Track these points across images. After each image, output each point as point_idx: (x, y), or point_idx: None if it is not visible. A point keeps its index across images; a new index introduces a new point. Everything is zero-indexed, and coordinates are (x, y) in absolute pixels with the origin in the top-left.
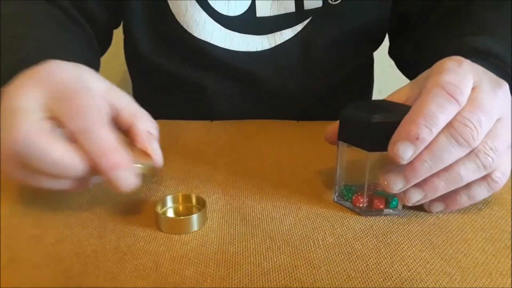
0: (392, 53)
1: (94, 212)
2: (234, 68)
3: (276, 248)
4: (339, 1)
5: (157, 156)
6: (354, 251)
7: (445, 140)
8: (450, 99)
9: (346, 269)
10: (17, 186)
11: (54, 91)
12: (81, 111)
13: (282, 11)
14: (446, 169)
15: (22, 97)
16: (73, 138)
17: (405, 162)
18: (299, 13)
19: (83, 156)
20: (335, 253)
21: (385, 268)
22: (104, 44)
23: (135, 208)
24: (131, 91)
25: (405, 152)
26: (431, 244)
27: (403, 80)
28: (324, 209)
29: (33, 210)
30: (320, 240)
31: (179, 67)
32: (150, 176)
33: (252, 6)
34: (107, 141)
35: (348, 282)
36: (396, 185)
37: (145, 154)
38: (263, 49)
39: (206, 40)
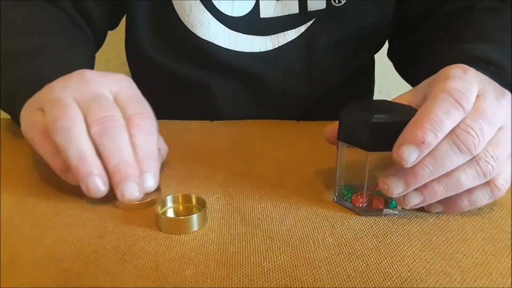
0: (390, 55)
1: (94, 212)
2: (237, 69)
3: (276, 248)
4: (342, 3)
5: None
6: (354, 251)
7: (447, 147)
8: (457, 106)
9: (346, 269)
10: (17, 185)
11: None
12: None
13: (285, 12)
14: (447, 174)
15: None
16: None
17: (409, 166)
18: (303, 14)
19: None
20: (335, 253)
21: (385, 268)
22: (98, 43)
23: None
24: None
25: (410, 155)
26: (431, 244)
27: (403, 80)
28: (324, 209)
29: (33, 210)
30: (320, 240)
31: (182, 67)
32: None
33: (256, 7)
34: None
35: (348, 282)
36: (396, 189)
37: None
38: (267, 49)
39: (209, 40)
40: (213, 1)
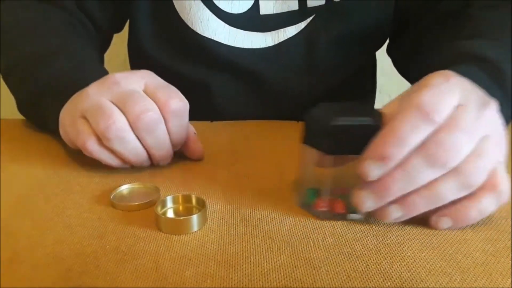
0: (390, 51)
1: (94, 212)
2: (237, 65)
3: (276, 248)
4: None
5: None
6: (354, 251)
7: (419, 161)
8: (425, 119)
9: (346, 269)
10: (16, 185)
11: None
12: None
13: (285, 9)
14: (427, 187)
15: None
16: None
17: (371, 179)
18: (302, 10)
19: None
20: (335, 253)
21: (385, 268)
22: (103, 45)
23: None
24: None
25: (374, 170)
26: (431, 244)
27: (403, 80)
28: None
29: (33, 210)
30: (320, 240)
31: (183, 65)
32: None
33: (256, 4)
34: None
35: (348, 282)
36: (367, 203)
37: None
38: (267, 46)
39: (209, 37)
40: (214, 0)
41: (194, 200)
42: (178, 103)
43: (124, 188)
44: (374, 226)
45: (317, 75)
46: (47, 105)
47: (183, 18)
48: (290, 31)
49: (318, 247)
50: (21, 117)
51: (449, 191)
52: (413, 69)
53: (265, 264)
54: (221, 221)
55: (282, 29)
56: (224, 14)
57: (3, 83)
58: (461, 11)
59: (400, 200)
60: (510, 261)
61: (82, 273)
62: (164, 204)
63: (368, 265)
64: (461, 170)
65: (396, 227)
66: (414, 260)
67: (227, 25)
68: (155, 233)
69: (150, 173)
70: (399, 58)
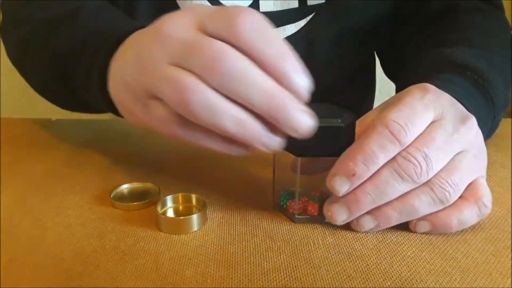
0: (378, 53)
1: (94, 212)
2: None
3: (276, 248)
4: None
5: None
6: (354, 251)
7: (388, 174)
8: (393, 140)
9: (346, 269)
10: (17, 185)
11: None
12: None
13: (285, 7)
14: (400, 200)
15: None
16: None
17: (341, 195)
18: (302, 8)
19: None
20: (335, 253)
21: (385, 268)
22: None
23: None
24: None
25: (341, 186)
26: (431, 244)
27: None
28: None
29: (33, 210)
30: (320, 240)
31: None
32: None
33: (256, 2)
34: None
35: (348, 282)
36: (339, 216)
37: None
38: None
39: None
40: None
41: (194, 200)
42: (247, 15)
43: (124, 188)
44: None
45: (316, 73)
46: (78, 75)
47: None
48: (290, 29)
49: (318, 247)
50: (21, 116)
51: (421, 205)
52: (398, 72)
53: (265, 264)
54: (221, 221)
55: (281, 27)
56: None
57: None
58: (449, 14)
59: (374, 211)
60: (510, 261)
61: (82, 273)
62: (164, 204)
63: (368, 264)
64: (433, 185)
65: (396, 227)
66: (414, 260)
67: None
68: (155, 232)
69: (150, 173)
70: (386, 60)
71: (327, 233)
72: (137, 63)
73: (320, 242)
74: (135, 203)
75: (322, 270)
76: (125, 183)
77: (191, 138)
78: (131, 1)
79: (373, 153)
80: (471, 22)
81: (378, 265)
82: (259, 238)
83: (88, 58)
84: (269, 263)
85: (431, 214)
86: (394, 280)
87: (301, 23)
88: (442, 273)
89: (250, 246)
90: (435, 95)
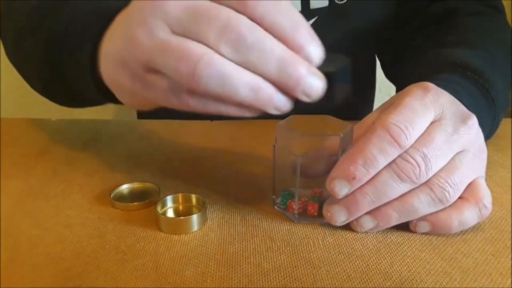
0: (378, 54)
1: (94, 212)
2: None
3: (276, 248)
4: (344, 0)
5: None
6: (354, 251)
7: (387, 175)
8: (393, 143)
9: (346, 269)
10: (17, 185)
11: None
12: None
13: None
14: (400, 200)
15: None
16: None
17: (340, 197)
18: (305, 12)
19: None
20: (335, 253)
21: (385, 268)
22: None
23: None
24: None
25: (341, 189)
26: (431, 244)
27: None
28: None
29: (33, 210)
30: (320, 240)
31: None
32: None
33: None
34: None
35: (348, 282)
36: (339, 217)
37: None
38: None
39: None
40: None
41: (194, 200)
42: None
43: (124, 188)
44: None
45: None
46: (72, 57)
47: None
48: None
49: (318, 247)
50: (21, 116)
51: (421, 205)
52: (398, 73)
53: (265, 264)
54: (221, 221)
55: None
56: None
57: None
58: (449, 17)
59: (373, 211)
60: (510, 261)
61: (82, 273)
62: (164, 204)
63: (368, 265)
64: (432, 185)
65: (396, 227)
66: (414, 260)
67: None
68: (155, 232)
69: (150, 173)
70: (386, 61)
71: (327, 233)
72: (131, 35)
73: (320, 242)
74: (135, 203)
75: (322, 270)
76: (125, 183)
77: (203, 107)
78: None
79: (373, 157)
80: (471, 25)
81: (378, 265)
82: (259, 238)
83: (76, 42)
84: (269, 263)
85: (431, 214)
86: (394, 280)
87: None
88: (442, 273)
89: (250, 246)
90: (436, 94)
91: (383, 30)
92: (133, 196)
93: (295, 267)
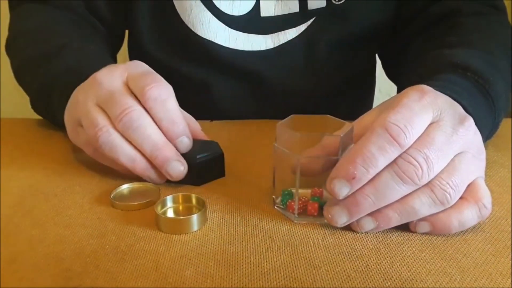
0: (379, 54)
1: (94, 212)
2: (238, 67)
3: (276, 248)
4: (342, 1)
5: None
6: (354, 251)
7: (389, 177)
8: (392, 142)
9: (346, 269)
10: (17, 185)
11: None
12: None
13: (286, 11)
14: (400, 201)
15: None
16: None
17: (341, 198)
18: (303, 13)
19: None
20: (335, 253)
21: (385, 268)
22: (116, 43)
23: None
24: None
25: (341, 189)
26: (431, 244)
27: None
28: None
29: (33, 210)
30: (320, 240)
31: (183, 66)
32: None
33: (256, 6)
34: (156, 137)
35: (348, 282)
36: (340, 219)
37: None
38: (267, 48)
39: (210, 39)
40: (214, 1)
41: (194, 200)
42: (156, 88)
43: (124, 188)
44: None
45: (317, 76)
46: (54, 102)
47: (183, 20)
48: (291, 33)
49: (318, 247)
50: (21, 117)
51: (422, 207)
52: (400, 74)
53: (265, 264)
54: (221, 220)
55: (282, 32)
56: (225, 16)
57: (3, 83)
58: (450, 17)
59: (374, 213)
60: (510, 261)
61: (82, 273)
62: (164, 204)
63: (368, 265)
64: (433, 187)
65: (396, 227)
66: (414, 260)
67: (227, 28)
68: (155, 232)
69: None
70: (387, 62)
71: (327, 233)
72: (76, 98)
73: (320, 242)
74: (135, 203)
75: (322, 270)
76: (125, 183)
77: (102, 161)
78: (130, 2)
79: (372, 156)
80: (472, 25)
81: (378, 265)
82: (259, 238)
83: (59, 93)
84: (269, 263)
85: (431, 215)
86: (394, 281)
87: (302, 27)
88: (442, 273)
89: (250, 246)
90: (432, 96)
91: (382, 30)
92: (133, 196)
93: (295, 267)
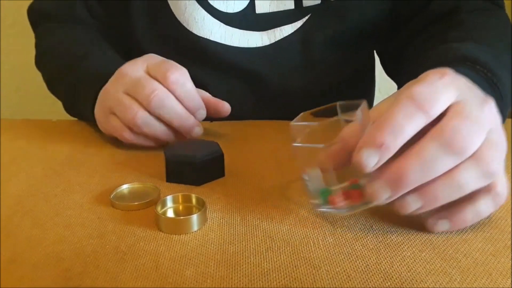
0: (377, 51)
1: (94, 212)
2: (234, 64)
3: (276, 248)
4: None
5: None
6: (354, 251)
7: (435, 147)
8: (418, 110)
9: (346, 269)
10: (16, 185)
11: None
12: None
13: (281, 8)
14: (447, 175)
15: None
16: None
17: (368, 170)
18: (298, 9)
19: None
20: (335, 253)
21: (385, 268)
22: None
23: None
24: None
25: (369, 159)
26: (431, 244)
27: None
28: None
29: (33, 210)
30: (320, 240)
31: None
32: None
33: (252, 3)
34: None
35: (348, 282)
36: (382, 194)
37: None
38: (263, 45)
39: (205, 37)
40: (208, 0)
41: (194, 200)
42: (175, 72)
43: (124, 188)
44: (374, 226)
45: (314, 74)
46: (82, 101)
47: (178, 18)
48: (286, 30)
49: (318, 247)
50: (21, 117)
51: (471, 179)
52: (401, 71)
53: (265, 264)
54: (221, 220)
55: (278, 28)
56: (219, 14)
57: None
58: (451, 14)
59: (419, 189)
60: (510, 261)
61: (82, 273)
62: (164, 204)
63: (368, 265)
64: (480, 158)
65: (396, 227)
66: (414, 260)
67: (222, 24)
68: (155, 232)
69: (150, 173)
70: (386, 59)
71: (327, 233)
72: (107, 90)
73: (320, 242)
74: (135, 203)
75: (322, 270)
76: (125, 183)
77: (135, 141)
78: (125, 1)
79: (399, 123)
80: (474, 22)
81: (378, 265)
82: (259, 238)
83: (85, 92)
84: (269, 263)
85: (446, 211)
86: (394, 281)
87: (297, 24)
88: (442, 273)
89: (250, 246)
90: (454, 77)
91: (378, 27)
92: (133, 196)
93: (295, 267)
